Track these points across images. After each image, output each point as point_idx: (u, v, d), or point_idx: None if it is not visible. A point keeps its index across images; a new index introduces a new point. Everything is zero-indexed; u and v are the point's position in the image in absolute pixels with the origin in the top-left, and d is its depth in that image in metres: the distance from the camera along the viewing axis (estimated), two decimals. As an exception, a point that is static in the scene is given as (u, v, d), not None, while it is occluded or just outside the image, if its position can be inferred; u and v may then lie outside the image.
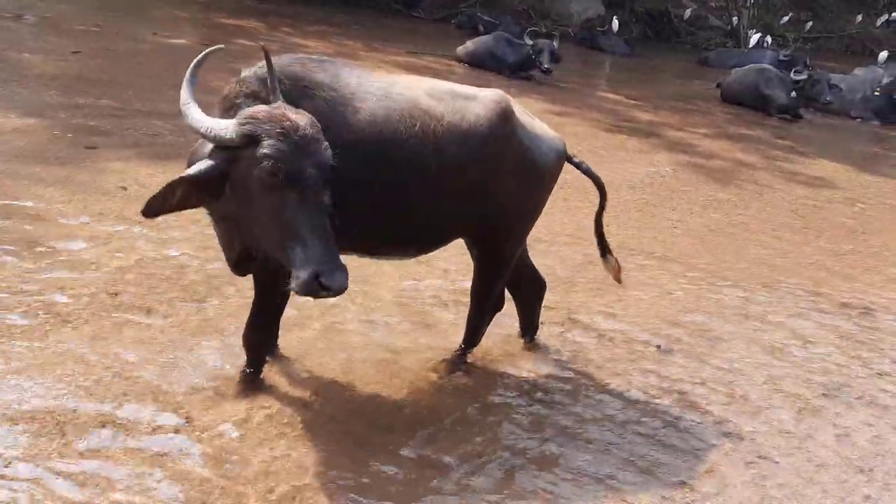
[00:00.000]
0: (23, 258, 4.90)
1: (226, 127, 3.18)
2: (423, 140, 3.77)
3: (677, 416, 4.33)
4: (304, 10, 18.36)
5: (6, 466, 3.23)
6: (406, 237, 4.06)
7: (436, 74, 13.39)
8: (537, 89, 13.59)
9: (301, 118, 3.20)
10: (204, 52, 3.68)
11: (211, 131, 3.21)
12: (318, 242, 3.11)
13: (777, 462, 4.04)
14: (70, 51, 10.79)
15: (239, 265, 4.00)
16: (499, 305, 4.67)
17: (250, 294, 4.00)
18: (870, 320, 5.91)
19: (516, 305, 4.81)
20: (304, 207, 3.13)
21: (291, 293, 3.45)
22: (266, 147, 3.09)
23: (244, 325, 4.00)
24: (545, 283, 4.82)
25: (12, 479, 3.17)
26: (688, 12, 24.07)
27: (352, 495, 3.38)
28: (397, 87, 3.88)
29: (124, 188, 6.33)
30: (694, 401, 4.51)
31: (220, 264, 4.53)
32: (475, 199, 3.99)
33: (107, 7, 15.24)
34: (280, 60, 3.71)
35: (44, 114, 7.86)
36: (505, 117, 4.01)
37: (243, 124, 3.14)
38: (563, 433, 4.06)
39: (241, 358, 4.08)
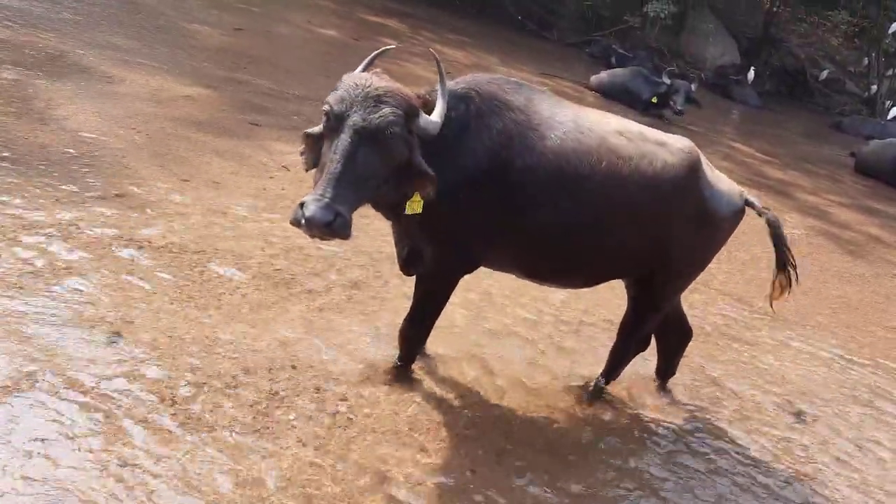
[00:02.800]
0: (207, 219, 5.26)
1: None
2: (608, 178, 3.83)
3: (797, 480, 4.29)
4: (443, 18, 18.78)
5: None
6: (572, 269, 4.16)
7: (568, 99, 13.48)
8: (667, 129, 13.45)
9: (375, 82, 3.28)
10: (375, 53, 3.83)
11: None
12: (324, 179, 3.13)
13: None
14: (234, 27, 11.38)
15: (407, 265, 4.21)
16: (643, 346, 4.72)
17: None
18: None
19: (658, 349, 4.84)
20: (333, 149, 3.19)
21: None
22: (330, 97, 3.28)
23: (404, 320, 4.17)
24: (692, 333, 4.85)
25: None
26: (824, 73, 23.45)
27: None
28: (587, 121, 3.95)
29: (287, 168, 6.67)
30: (817, 474, 4.45)
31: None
32: (647, 243, 4.06)
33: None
34: (478, 77, 3.88)
35: (211, 85, 8.35)
36: (692, 168, 4.06)
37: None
38: (692, 476, 4.09)
39: (394, 349, 4.28)
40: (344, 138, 3.19)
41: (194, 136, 6.77)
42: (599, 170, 3.82)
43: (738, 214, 4.34)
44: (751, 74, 20.08)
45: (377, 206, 3.74)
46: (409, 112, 3.33)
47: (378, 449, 3.66)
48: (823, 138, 18.06)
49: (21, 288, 4.00)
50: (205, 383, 3.74)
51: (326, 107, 3.28)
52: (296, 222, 3.10)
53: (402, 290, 4.99)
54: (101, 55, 8.07)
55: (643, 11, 19.19)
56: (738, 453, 4.44)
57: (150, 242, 4.82)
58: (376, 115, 3.22)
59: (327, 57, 11.57)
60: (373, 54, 3.84)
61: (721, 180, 4.31)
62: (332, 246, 5.51)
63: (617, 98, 14.43)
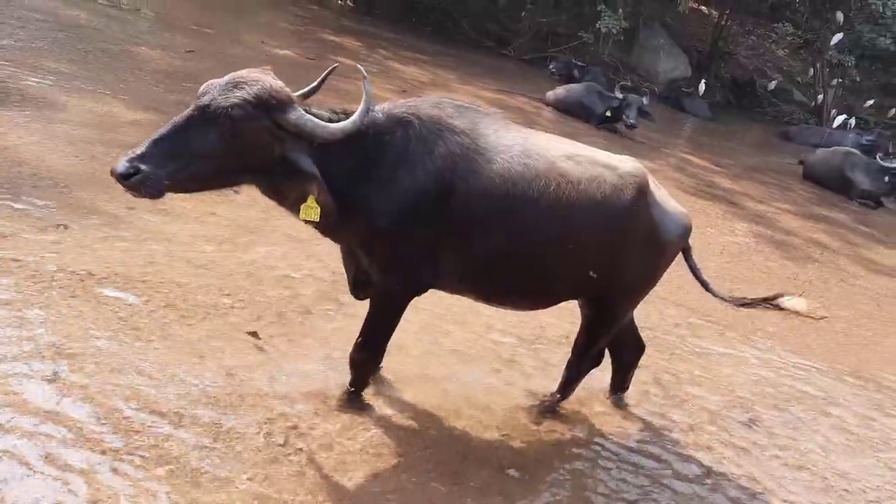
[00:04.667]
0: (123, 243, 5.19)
1: None
2: (556, 202, 3.84)
3: (751, 485, 4.36)
4: (400, 37, 18.87)
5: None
6: (522, 291, 4.18)
7: (525, 115, 13.67)
8: (621, 142, 13.72)
9: (248, 75, 3.37)
10: (326, 72, 3.86)
11: None
12: (146, 141, 3.17)
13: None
14: (185, 49, 11.29)
15: (357, 288, 4.21)
16: (597, 361, 4.75)
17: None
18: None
19: (613, 364, 4.89)
20: (175, 119, 3.26)
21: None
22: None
23: (353, 346, 4.12)
24: (645, 347, 4.91)
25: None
26: (773, 84, 24.01)
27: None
28: (535, 145, 3.95)
29: (236, 192, 6.59)
30: (770, 485, 4.53)
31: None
32: (596, 265, 4.09)
33: (218, 9, 15.91)
34: (421, 101, 3.89)
35: (159, 109, 8.24)
36: (640, 190, 4.09)
37: None
38: (648, 488, 4.13)
39: (346, 374, 4.25)
40: (185, 112, 3.26)
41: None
42: (547, 194, 3.83)
43: (685, 235, 4.42)
44: (701, 87, 20.48)
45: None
46: (268, 103, 3.32)
47: (330, 477, 3.63)
48: (772, 148, 18.50)
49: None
50: (149, 415, 3.67)
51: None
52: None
53: (357, 315, 4.97)
54: (44, 81, 7.93)
55: (596, 28, 19.47)
56: (694, 462, 4.49)
57: (90, 273, 4.74)
58: (222, 97, 3.25)
59: (281, 77, 11.50)
60: (324, 73, 3.85)
61: (668, 201, 4.37)
62: (287, 271, 5.50)
63: (572, 113, 14.62)
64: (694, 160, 14.37)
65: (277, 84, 3.40)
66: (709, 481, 4.35)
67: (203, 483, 3.36)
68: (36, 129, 6.63)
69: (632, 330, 4.82)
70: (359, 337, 4.09)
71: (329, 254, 5.55)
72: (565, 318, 5.55)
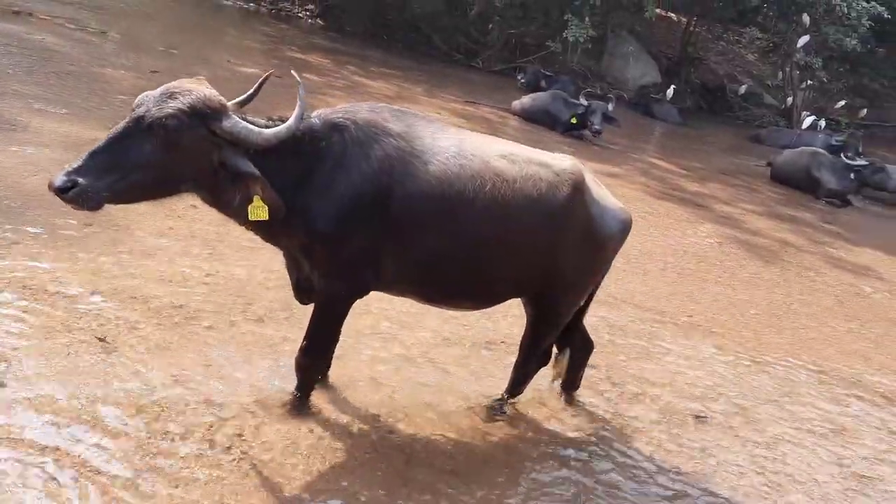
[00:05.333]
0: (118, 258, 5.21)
1: None
2: (492, 202, 3.89)
3: (714, 486, 4.40)
4: (369, 52, 18.98)
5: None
6: (462, 291, 4.23)
7: (491, 125, 13.78)
8: (589, 148, 13.86)
9: (181, 85, 3.43)
10: (261, 79, 3.95)
11: None
12: (83, 155, 3.23)
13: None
14: (149, 70, 11.32)
15: (300, 293, 4.24)
16: (544, 360, 4.80)
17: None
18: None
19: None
20: (111, 132, 3.31)
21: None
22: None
23: (298, 350, 4.14)
24: (593, 345, 4.96)
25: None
26: (742, 88, 24.30)
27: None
28: (470, 145, 4.01)
29: (195, 205, 6.62)
30: (719, 475, 4.57)
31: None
32: (537, 263, 4.15)
33: (185, 30, 15.97)
34: (358, 106, 3.95)
35: (122, 128, 8.26)
36: (576, 188, 4.14)
37: None
38: (590, 489, 4.17)
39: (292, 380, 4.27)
40: (120, 124, 3.31)
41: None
42: (483, 193, 3.88)
43: (625, 231, 4.47)
44: (669, 92, 20.71)
45: (252, 228, 3.77)
46: (202, 112, 3.37)
47: (273, 481, 3.64)
48: (743, 150, 18.70)
49: None
50: (96, 423, 3.69)
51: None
52: None
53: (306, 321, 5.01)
54: (6, 103, 7.94)
55: (564, 37, 19.66)
56: (645, 458, 4.54)
57: (45, 290, 4.75)
58: (156, 108, 3.31)
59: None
60: (260, 80, 3.92)
61: (607, 198, 4.43)
62: (242, 279, 5.53)
63: (538, 121, 14.75)
64: (661, 164, 14.51)
65: (211, 93, 3.46)
66: (659, 478, 4.39)
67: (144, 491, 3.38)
68: (8, 152, 6.65)
69: (580, 328, 4.87)
70: (303, 341, 4.11)
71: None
72: (513, 320, 5.60)
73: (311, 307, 4.16)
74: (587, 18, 19.46)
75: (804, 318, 7.69)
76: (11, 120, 7.51)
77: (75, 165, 3.18)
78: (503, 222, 3.97)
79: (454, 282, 4.13)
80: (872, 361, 6.85)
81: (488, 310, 5.16)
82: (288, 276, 4.27)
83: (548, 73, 19.40)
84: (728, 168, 15.84)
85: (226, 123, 3.42)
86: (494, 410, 4.64)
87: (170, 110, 3.29)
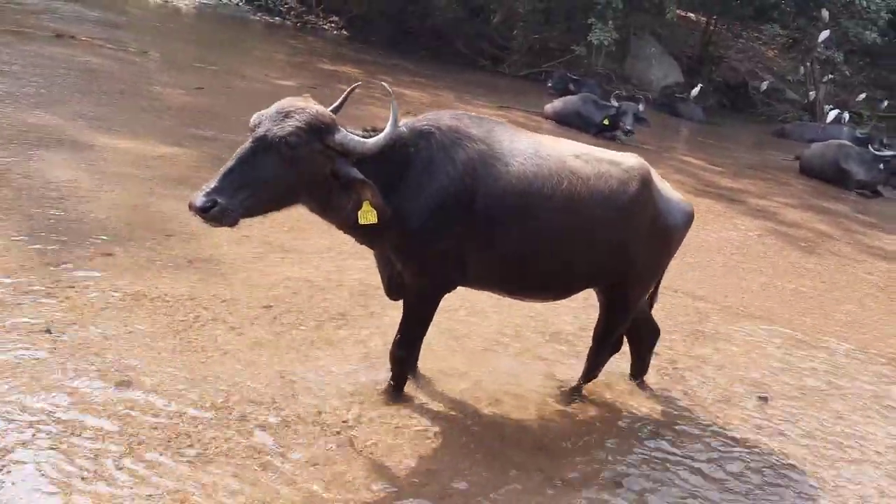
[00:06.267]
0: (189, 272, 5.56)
1: None
2: (569, 198, 4.17)
3: (776, 461, 4.65)
4: (395, 61, 19.36)
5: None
6: (542, 284, 4.51)
7: (525, 128, 14.02)
8: (621, 149, 14.05)
9: (295, 103, 3.66)
10: (347, 91, 4.25)
11: None
12: (217, 175, 3.47)
13: None
14: (194, 87, 11.74)
15: (392, 290, 4.55)
16: (617, 348, 5.07)
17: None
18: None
19: (631, 350, 5.22)
20: (238, 152, 3.55)
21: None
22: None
23: (393, 343, 4.45)
24: (659, 332, 5.23)
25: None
26: (764, 84, 24.49)
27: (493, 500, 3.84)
28: (545, 147, 4.31)
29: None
30: (790, 449, 4.83)
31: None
32: (610, 255, 4.43)
33: (216, 46, 16.43)
34: (440, 114, 4.25)
35: (181, 143, 8.66)
36: (644, 183, 4.44)
37: None
38: (668, 462, 4.44)
39: (387, 372, 4.57)
40: (245, 144, 3.57)
41: (172, 192, 7.06)
42: (560, 191, 4.17)
43: (688, 223, 4.76)
44: (694, 91, 20.93)
45: (351, 232, 4.06)
46: (317, 127, 3.65)
47: (384, 463, 3.94)
48: (768, 145, 18.89)
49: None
50: (215, 415, 4.02)
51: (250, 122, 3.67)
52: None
53: (386, 317, 5.33)
54: (70, 123, 8.34)
55: (588, 40, 19.93)
56: (710, 437, 4.80)
57: (144, 294, 5.10)
58: (277, 127, 3.57)
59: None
60: (346, 92, 4.23)
61: (671, 192, 4.72)
62: (321, 282, 5.85)
63: (570, 124, 15.02)
64: (693, 161, 14.74)
65: (321, 109, 3.76)
66: (727, 454, 4.65)
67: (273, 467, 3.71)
68: (72, 170, 7.01)
69: (646, 316, 5.14)
70: (397, 335, 4.41)
71: (356, 266, 5.90)
72: (575, 312, 5.89)
73: (391, 304, 4.45)
74: (610, 22, 19.74)
75: (847, 303, 7.92)
76: (77, 139, 7.90)
77: (213, 185, 3.43)
78: (579, 218, 4.25)
79: (534, 275, 4.41)
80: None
81: (552, 304, 5.47)
82: (379, 276, 4.58)
83: (575, 76, 19.69)
84: (756, 163, 16.05)
85: (337, 137, 3.72)
86: (572, 394, 4.92)
87: (290, 128, 3.57)
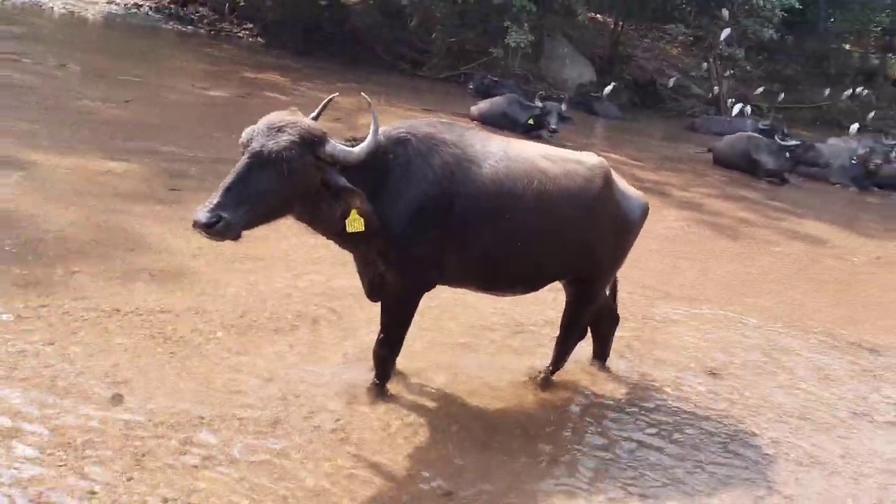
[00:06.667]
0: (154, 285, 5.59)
1: None
2: (539, 197, 4.45)
3: (729, 429, 5.08)
4: (320, 68, 19.30)
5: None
6: (516, 279, 4.79)
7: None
8: (547, 148, 14.57)
9: (283, 118, 3.79)
10: (324, 102, 4.40)
11: None
12: (217, 191, 3.58)
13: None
14: (123, 100, 11.50)
15: (373, 292, 4.72)
16: (582, 335, 5.40)
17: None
18: (879, 358, 6.77)
19: (593, 336, 5.56)
20: (236, 168, 3.68)
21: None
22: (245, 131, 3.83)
23: (376, 343, 4.63)
24: (619, 319, 5.60)
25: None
26: (671, 81, 25.58)
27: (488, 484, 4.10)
28: (514, 149, 4.57)
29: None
30: (743, 417, 5.27)
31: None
32: (577, 248, 4.74)
33: (133, 57, 16.03)
34: (416, 122, 4.47)
35: (125, 158, 8.51)
36: (607, 180, 4.78)
37: None
38: (637, 439, 4.78)
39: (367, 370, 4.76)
40: (242, 160, 3.71)
41: (127, 207, 7.01)
42: (531, 190, 4.43)
43: (644, 216, 5.14)
44: (608, 90, 21.68)
45: (336, 238, 4.22)
46: (310, 140, 3.79)
47: (378, 456, 4.13)
48: (681, 139, 19.81)
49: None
50: (215, 418, 4.12)
51: (241, 139, 3.80)
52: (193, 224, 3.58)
53: (354, 318, 5.56)
54: (9, 143, 8.11)
55: (505, 43, 20.41)
56: (669, 409, 5.19)
57: (117, 309, 5.11)
58: (272, 142, 3.71)
59: (223, 117, 11.89)
60: (323, 103, 4.38)
61: (628, 187, 5.08)
62: (285, 288, 5.96)
63: (497, 124, 15.37)
64: (615, 157, 15.29)
65: (311, 122, 3.91)
66: (685, 424, 5.05)
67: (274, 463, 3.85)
68: (15, 189, 6.87)
69: (607, 304, 5.49)
70: (380, 334, 4.59)
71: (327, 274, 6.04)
72: (538, 306, 6.22)
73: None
74: (525, 24, 20.28)
75: (775, 283, 8.54)
76: (12, 158, 7.68)
77: (215, 202, 3.53)
78: (549, 214, 4.53)
79: (509, 271, 4.67)
80: (835, 316, 7.72)
81: (516, 298, 5.75)
82: (359, 279, 4.73)
83: (494, 78, 20.15)
84: (673, 156, 16.84)
85: (327, 148, 3.87)
86: (544, 381, 5.22)
87: (285, 143, 3.70)
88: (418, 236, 4.24)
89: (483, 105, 16.02)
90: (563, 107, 15.35)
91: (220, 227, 3.53)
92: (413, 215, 4.18)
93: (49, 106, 10.26)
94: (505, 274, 4.70)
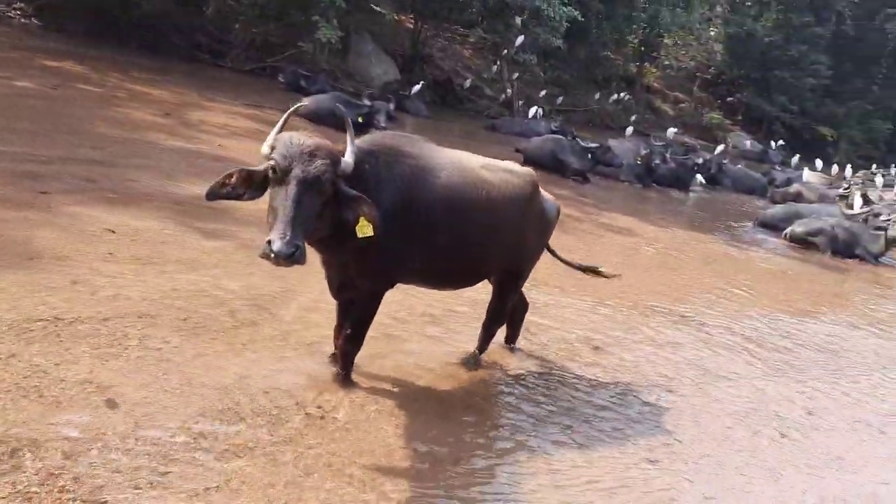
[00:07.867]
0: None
1: (265, 144, 4.28)
2: (484, 202, 5.08)
3: (612, 391, 6.09)
4: (120, 57, 18.20)
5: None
6: (463, 275, 5.44)
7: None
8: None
9: (305, 140, 4.18)
10: (286, 114, 4.61)
11: (263, 148, 4.27)
12: (281, 221, 3.97)
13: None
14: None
15: (340, 292, 5.08)
16: (503, 321, 6.12)
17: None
18: (704, 327, 8.23)
19: (508, 322, 6.28)
20: (283, 196, 4.05)
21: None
22: (274, 153, 4.19)
23: (343, 339, 5.07)
24: (528, 305, 6.40)
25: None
26: (468, 82, 27.20)
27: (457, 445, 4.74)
28: (460, 160, 5.18)
29: (112, 231, 6.83)
30: (619, 379, 6.32)
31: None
32: (513, 245, 5.47)
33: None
34: (382, 135, 4.99)
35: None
36: (535, 186, 5.55)
37: (272, 142, 4.23)
38: (542, 396, 5.68)
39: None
40: (291, 188, 4.06)
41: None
42: (479, 196, 5.07)
43: (558, 216, 6.04)
44: (416, 88, 22.65)
45: (315, 243, 4.53)
46: (335, 160, 4.25)
47: (367, 436, 4.59)
48: (487, 139, 21.18)
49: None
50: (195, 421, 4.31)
51: (273, 162, 4.11)
52: (265, 256, 3.93)
53: (286, 317, 5.92)
54: None
55: (315, 38, 20.46)
56: (567, 378, 6.11)
57: (60, 318, 5.00)
58: (312, 167, 4.12)
59: (48, 112, 11.09)
60: (285, 115, 4.62)
61: (545, 193, 5.88)
62: (211, 290, 6.06)
63: (325, 122, 15.60)
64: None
65: (330, 144, 4.30)
66: (584, 386, 6.02)
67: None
68: None
69: (520, 294, 6.25)
70: (348, 331, 5.02)
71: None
72: (444, 297, 6.87)
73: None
74: (335, 20, 20.52)
75: (611, 270, 9.82)
76: None
77: (289, 233, 3.91)
78: (493, 217, 5.20)
79: (458, 268, 5.29)
80: (663, 295, 9.21)
81: (426, 290, 6.29)
82: (326, 280, 5.08)
83: (306, 72, 20.24)
84: (486, 155, 18.07)
85: (342, 165, 4.28)
86: (472, 363, 5.88)
87: (323, 167, 4.11)
88: (388, 240, 4.61)
89: (310, 103, 16.07)
90: (391, 106, 15.99)
91: (297, 255, 3.92)
92: (384, 221, 4.55)
93: None
94: (456, 272, 5.29)
